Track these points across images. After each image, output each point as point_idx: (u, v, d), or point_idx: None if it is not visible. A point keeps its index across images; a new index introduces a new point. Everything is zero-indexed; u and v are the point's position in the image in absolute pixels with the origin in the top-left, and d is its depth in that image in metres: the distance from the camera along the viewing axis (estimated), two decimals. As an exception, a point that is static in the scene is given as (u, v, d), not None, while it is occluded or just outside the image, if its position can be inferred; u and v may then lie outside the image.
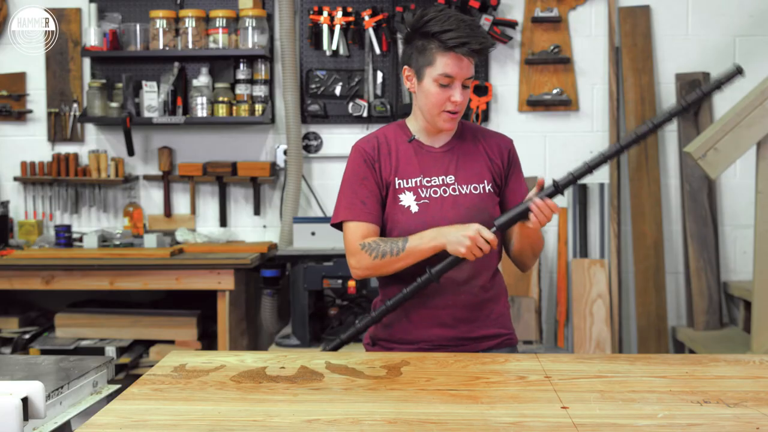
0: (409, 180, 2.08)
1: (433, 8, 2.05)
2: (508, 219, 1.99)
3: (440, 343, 2.08)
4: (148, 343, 4.03)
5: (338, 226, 2.12)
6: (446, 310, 2.07)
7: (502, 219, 2.00)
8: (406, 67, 2.08)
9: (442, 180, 2.08)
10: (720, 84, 2.02)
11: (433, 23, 1.99)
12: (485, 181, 2.10)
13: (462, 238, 1.94)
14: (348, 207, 2.08)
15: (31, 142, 4.38)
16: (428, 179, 2.08)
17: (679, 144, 4.14)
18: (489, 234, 1.94)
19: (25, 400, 1.48)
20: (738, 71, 2.02)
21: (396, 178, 2.08)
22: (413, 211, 2.06)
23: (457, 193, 2.07)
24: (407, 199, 2.07)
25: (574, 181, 2.01)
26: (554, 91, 4.19)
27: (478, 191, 2.08)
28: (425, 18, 2.01)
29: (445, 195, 2.07)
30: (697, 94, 2.04)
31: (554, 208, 1.97)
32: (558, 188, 1.99)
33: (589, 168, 2.02)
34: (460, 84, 2.00)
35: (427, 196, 2.07)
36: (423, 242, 1.99)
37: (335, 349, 2.20)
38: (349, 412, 1.52)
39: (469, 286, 2.06)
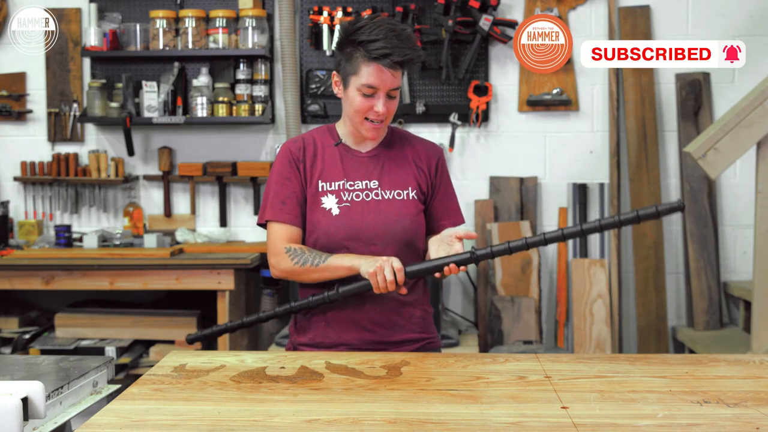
0: (333, 183, 2.10)
1: (368, 17, 2.04)
2: (419, 270, 2.02)
3: (359, 346, 2.09)
4: (148, 343, 4.03)
5: (264, 224, 2.15)
6: (364, 314, 2.09)
7: (414, 268, 2.01)
8: (334, 72, 2.09)
9: (366, 185, 2.10)
10: (659, 214, 2.03)
11: (362, 32, 1.99)
12: (410, 188, 2.12)
13: (373, 262, 1.97)
14: (271, 208, 2.10)
15: (31, 142, 4.38)
16: (351, 183, 2.10)
17: (679, 144, 4.14)
18: (398, 264, 1.96)
19: (25, 400, 1.48)
20: (680, 207, 2.04)
21: (320, 181, 2.10)
22: (334, 214, 2.07)
23: (380, 198, 2.09)
24: (329, 202, 2.09)
25: (492, 256, 2.04)
26: (554, 91, 4.19)
27: (401, 197, 2.10)
28: (356, 26, 2.01)
29: (368, 199, 2.09)
30: (635, 214, 2.02)
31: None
32: (474, 258, 2.02)
33: (509, 249, 2.05)
34: (383, 94, 2.02)
35: (349, 199, 2.09)
36: (342, 261, 2.02)
37: (202, 339, 2.35)
38: (349, 412, 1.53)
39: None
